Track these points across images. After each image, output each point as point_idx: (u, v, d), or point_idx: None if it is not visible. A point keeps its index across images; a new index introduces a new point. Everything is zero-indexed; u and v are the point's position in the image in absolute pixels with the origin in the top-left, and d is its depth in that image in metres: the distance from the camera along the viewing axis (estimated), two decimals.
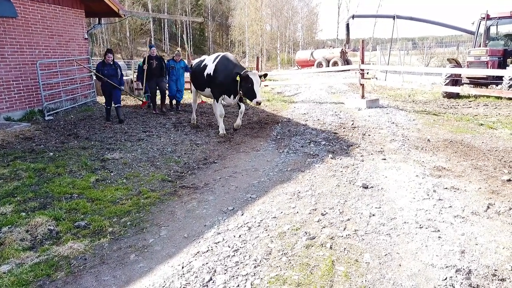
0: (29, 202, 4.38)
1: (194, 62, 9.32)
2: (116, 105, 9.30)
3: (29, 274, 3.00)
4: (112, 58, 9.19)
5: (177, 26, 64.75)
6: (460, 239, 3.35)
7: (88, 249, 3.39)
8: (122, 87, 9.38)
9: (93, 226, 3.81)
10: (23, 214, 4.05)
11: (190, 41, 60.42)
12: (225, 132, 7.83)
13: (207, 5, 67.61)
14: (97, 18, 13.64)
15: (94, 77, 9.79)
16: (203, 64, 8.43)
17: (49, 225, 3.75)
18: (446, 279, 2.77)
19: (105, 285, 2.89)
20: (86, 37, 12.14)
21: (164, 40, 63.02)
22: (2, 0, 8.41)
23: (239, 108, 8.19)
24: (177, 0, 62.16)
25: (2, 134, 7.38)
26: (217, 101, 7.96)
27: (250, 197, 4.51)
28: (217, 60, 7.92)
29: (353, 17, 23.00)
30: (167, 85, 10.98)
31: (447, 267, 2.92)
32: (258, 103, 7.11)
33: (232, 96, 7.73)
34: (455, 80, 12.42)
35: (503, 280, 2.76)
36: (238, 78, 7.18)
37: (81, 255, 3.29)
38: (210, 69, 7.95)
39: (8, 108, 9.13)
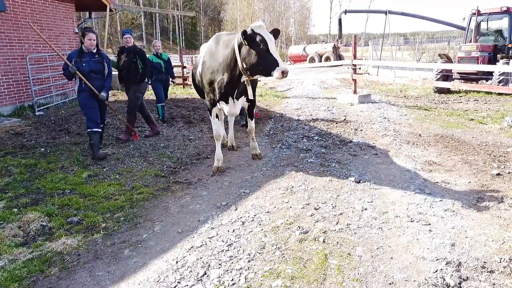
0: (21, 198, 4.35)
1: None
2: (92, 130, 5.79)
3: (23, 270, 2.99)
4: (96, 43, 5.74)
5: (169, 21, 64.21)
6: (450, 232, 3.41)
7: (81, 244, 3.39)
8: (104, 95, 5.80)
9: (86, 221, 3.80)
10: (15, 210, 4.02)
11: (182, 36, 59.98)
12: (220, 165, 5.31)
13: None
14: (88, 12, 13.48)
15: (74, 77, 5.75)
16: (199, 58, 5.54)
17: (41, 221, 3.73)
18: (436, 271, 2.82)
19: (99, 281, 2.89)
20: (77, 31, 12.00)
21: (156, 34, 62.42)
22: None
23: (247, 126, 5.64)
24: None
25: None
26: (211, 114, 5.32)
27: (244, 192, 4.52)
28: (205, 49, 5.24)
29: (345, 12, 23.05)
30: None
31: (437, 259, 2.97)
32: (284, 73, 4.21)
33: (231, 100, 4.98)
34: (446, 76, 12.55)
35: (492, 272, 2.82)
36: (236, 45, 4.47)
37: (75, 251, 3.29)
38: (200, 65, 5.26)
39: None
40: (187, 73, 16.74)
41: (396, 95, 12.66)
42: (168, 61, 8.60)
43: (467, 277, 2.77)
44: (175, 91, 14.36)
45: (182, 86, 15.74)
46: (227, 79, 4.78)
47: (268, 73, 4.36)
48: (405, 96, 12.30)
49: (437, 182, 4.63)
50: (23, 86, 9.69)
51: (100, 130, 5.90)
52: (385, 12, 21.50)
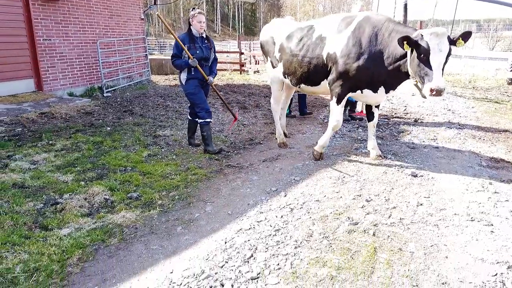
0: (88, 172, 4.71)
1: (280, 30, 5.59)
2: (205, 120, 5.41)
3: (86, 238, 3.25)
4: (205, 27, 5.29)
5: (229, 7, 64.79)
6: None
7: (139, 219, 3.61)
8: (211, 79, 5.35)
9: (144, 198, 4.04)
10: (82, 183, 4.37)
11: (241, 22, 60.35)
12: (322, 152, 5.14)
13: None
14: None
15: (182, 63, 5.16)
16: (313, 34, 4.94)
17: (105, 195, 4.03)
18: (496, 275, 2.65)
19: (153, 253, 3.07)
20: (143, 17, 12.56)
21: (216, 21, 63.49)
22: None
23: (371, 119, 5.14)
24: None
25: (65, 108, 7.92)
26: (340, 103, 4.73)
27: (294, 179, 4.52)
28: (352, 27, 4.49)
29: None
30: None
31: (498, 262, 2.78)
32: (433, 91, 3.72)
33: (382, 89, 4.54)
34: None
35: None
36: (406, 46, 3.86)
37: (133, 224, 3.51)
38: (336, 44, 4.57)
39: (71, 84, 9.75)
40: (244, 59, 16.89)
41: (464, 86, 11.81)
42: None
43: None
44: (232, 77, 14.57)
45: (239, 72, 15.91)
46: (390, 73, 4.33)
47: (421, 84, 4.01)
48: (473, 88, 11.44)
49: (504, 181, 4.29)
50: (93, 69, 10.38)
51: (211, 120, 5.48)
52: None
